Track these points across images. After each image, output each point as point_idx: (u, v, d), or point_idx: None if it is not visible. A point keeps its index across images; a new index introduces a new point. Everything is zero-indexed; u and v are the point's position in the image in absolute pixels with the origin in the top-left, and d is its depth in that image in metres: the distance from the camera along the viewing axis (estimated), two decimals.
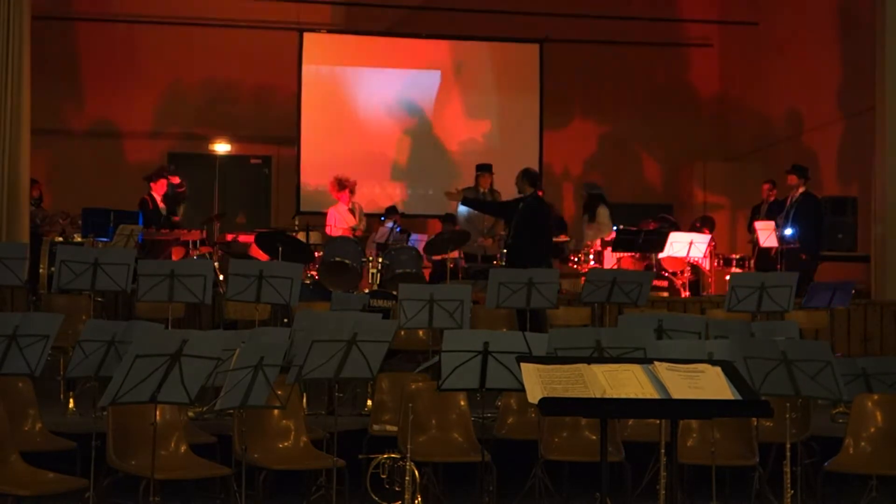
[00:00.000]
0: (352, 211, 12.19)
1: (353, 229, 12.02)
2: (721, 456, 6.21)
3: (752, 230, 12.67)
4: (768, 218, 12.30)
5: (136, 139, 15.81)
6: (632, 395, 4.14)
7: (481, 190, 12.16)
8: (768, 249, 11.84)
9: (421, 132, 15.78)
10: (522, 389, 4.25)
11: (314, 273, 10.48)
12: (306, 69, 15.42)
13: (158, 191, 12.07)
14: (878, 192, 11.59)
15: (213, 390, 6.24)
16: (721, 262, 12.55)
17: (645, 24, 16.17)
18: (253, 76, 15.97)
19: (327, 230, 11.95)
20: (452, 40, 15.91)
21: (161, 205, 12.03)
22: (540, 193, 10.80)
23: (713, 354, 5.59)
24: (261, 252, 10.78)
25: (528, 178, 10.96)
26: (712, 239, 12.56)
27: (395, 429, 6.50)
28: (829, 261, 12.90)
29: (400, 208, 13.90)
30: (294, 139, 15.43)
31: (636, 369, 4.24)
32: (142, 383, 5.03)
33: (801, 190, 12.00)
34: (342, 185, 12.18)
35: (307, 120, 15.42)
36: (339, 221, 12.01)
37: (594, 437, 6.62)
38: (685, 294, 11.97)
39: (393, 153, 15.60)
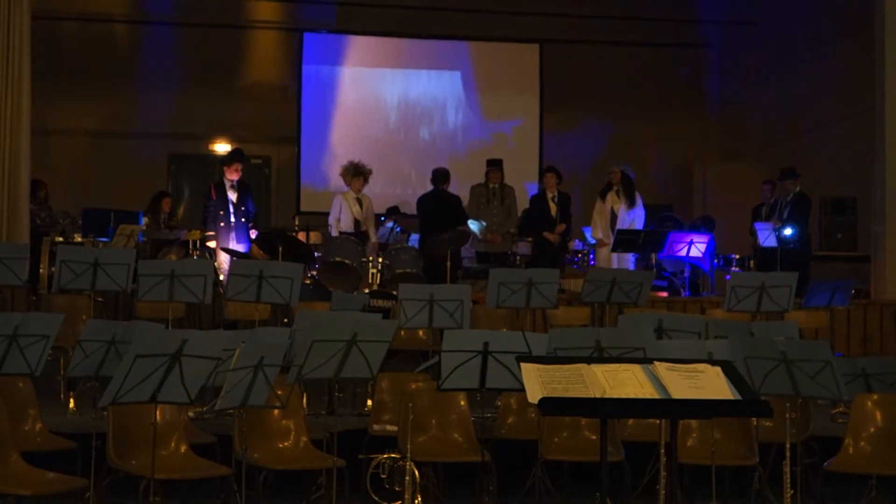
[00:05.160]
0: (359, 201, 11.54)
1: (360, 223, 11.41)
2: (721, 456, 6.21)
3: (753, 232, 12.66)
4: (768, 219, 12.31)
5: (136, 139, 15.82)
6: (632, 395, 4.14)
7: (491, 185, 12.17)
8: (768, 250, 11.84)
9: (421, 132, 15.79)
10: (522, 389, 4.25)
11: (314, 273, 10.47)
12: (306, 69, 15.44)
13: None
14: (878, 192, 11.60)
15: (214, 390, 6.24)
16: (721, 262, 12.55)
17: (645, 24, 16.17)
18: (253, 76, 15.99)
19: (331, 220, 11.42)
20: (452, 41, 15.92)
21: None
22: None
23: (713, 354, 5.59)
24: (261, 252, 10.76)
25: (433, 175, 11.72)
26: (712, 239, 12.55)
27: (395, 429, 6.50)
28: (829, 261, 12.90)
29: (400, 208, 13.91)
30: (294, 139, 15.44)
31: (636, 369, 4.25)
32: (142, 383, 5.03)
33: (796, 189, 12.06)
34: (358, 170, 11.51)
35: (307, 120, 15.44)
36: (346, 211, 11.42)
37: (594, 437, 6.62)
38: (685, 294, 11.96)
39: (393, 153, 15.61)
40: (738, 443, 6.54)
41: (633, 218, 12.16)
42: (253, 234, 11.24)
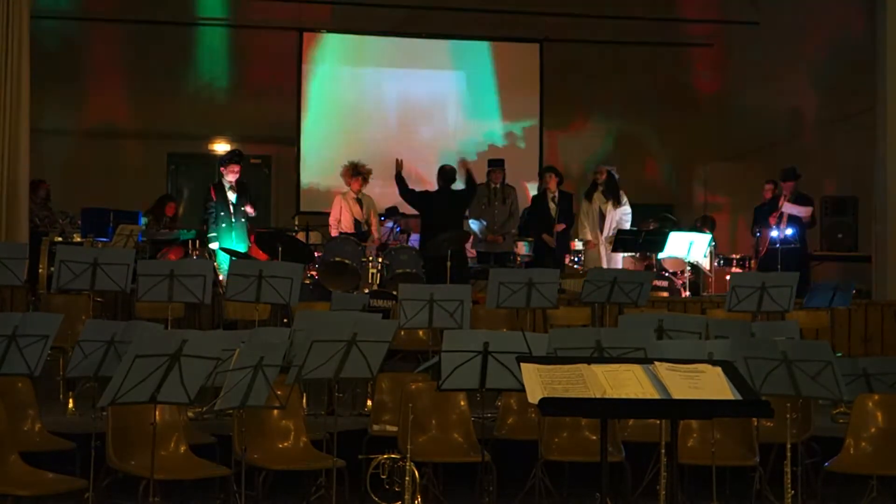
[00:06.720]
0: (359, 201, 11.59)
1: (360, 224, 11.48)
2: (721, 456, 6.21)
3: (754, 232, 12.66)
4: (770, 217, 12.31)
5: (136, 139, 15.80)
6: (632, 395, 4.13)
7: (492, 185, 12.16)
8: (769, 249, 11.85)
9: (421, 132, 15.77)
10: (522, 389, 4.24)
11: (314, 273, 10.47)
12: (306, 69, 15.42)
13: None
14: (878, 192, 11.59)
15: (213, 390, 6.22)
16: (721, 262, 12.54)
17: (645, 24, 16.15)
18: (253, 76, 15.97)
19: (331, 221, 11.48)
20: (452, 40, 15.90)
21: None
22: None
23: (713, 354, 5.59)
24: (260, 252, 10.76)
25: (440, 174, 11.51)
26: (713, 239, 12.55)
27: (395, 429, 6.50)
28: (829, 261, 12.90)
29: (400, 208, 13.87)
30: (294, 139, 15.43)
31: (636, 369, 4.24)
32: (141, 383, 5.02)
33: (796, 189, 12.08)
34: (356, 171, 11.58)
35: (307, 120, 15.43)
36: (346, 211, 11.49)
37: (594, 437, 6.62)
38: (685, 294, 11.96)
39: (393, 153, 15.55)
40: (738, 443, 6.53)
41: (621, 217, 12.15)
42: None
